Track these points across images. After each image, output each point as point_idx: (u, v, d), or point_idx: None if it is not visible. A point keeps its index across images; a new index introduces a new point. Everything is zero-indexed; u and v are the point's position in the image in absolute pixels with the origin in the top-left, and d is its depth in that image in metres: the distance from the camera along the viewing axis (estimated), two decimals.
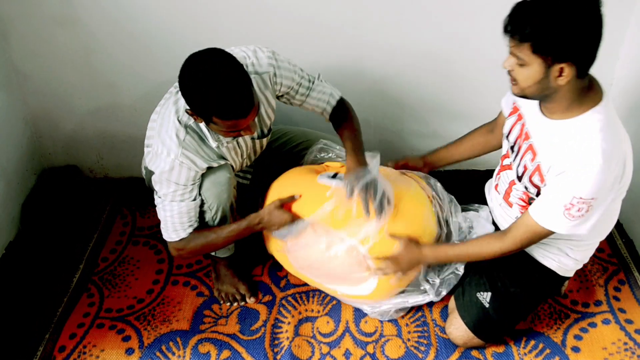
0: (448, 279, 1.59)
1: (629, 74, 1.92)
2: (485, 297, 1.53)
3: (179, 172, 1.48)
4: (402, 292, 1.64)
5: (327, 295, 1.77)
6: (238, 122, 1.37)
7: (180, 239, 1.59)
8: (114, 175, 2.25)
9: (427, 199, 1.62)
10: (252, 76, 1.42)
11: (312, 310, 1.74)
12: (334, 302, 1.76)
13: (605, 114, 1.26)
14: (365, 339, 1.65)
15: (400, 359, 1.60)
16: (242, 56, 1.51)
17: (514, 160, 1.46)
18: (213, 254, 1.76)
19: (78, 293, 1.81)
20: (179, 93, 1.53)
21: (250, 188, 1.82)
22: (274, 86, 1.56)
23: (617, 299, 1.76)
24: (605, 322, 1.69)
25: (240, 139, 1.59)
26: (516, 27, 1.18)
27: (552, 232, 1.35)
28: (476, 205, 1.65)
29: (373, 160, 1.58)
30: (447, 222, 1.62)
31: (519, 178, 1.43)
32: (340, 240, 1.53)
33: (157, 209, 1.58)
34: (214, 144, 1.52)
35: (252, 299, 1.77)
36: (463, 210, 1.65)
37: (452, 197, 1.66)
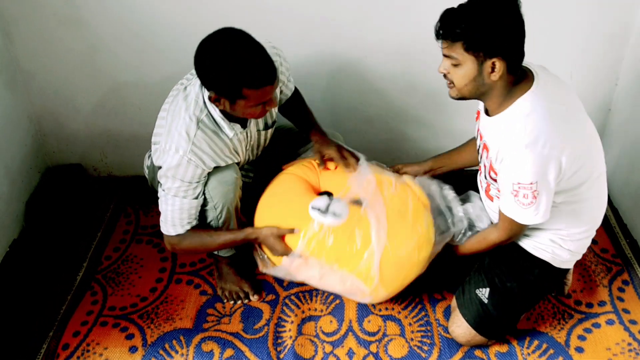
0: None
1: (633, 75, 1.92)
2: (484, 294, 1.55)
3: (186, 169, 1.49)
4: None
5: (330, 294, 1.77)
6: (266, 90, 1.39)
7: (177, 234, 1.60)
8: (118, 173, 2.26)
9: (423, 212, 1.59)
10: None
11: (316, 310, 1.74)
12: (337, 301, 1.76)
13: (533, 101, 1.33)
14: (369, 338, 1.65)
15: (403, 358, 1.60)
16: None
17: (480, 159, 1.55)
18: (215, 252, 1.77)
19: (81, 291, 1.81)
20: (187, 88, 1.53)
21: (252, 186, 1.82)
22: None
23: (621, 299, 1.75)
24: (609, 322, 1.68)
25: (248, 131, 1.59)
26: (448, 29, 1.29)
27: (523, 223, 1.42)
28: (464, 194, 1.68)
29: (363, 162, 1.64)
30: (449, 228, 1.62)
31: (485, 176, 1.51)
32: (332, 271, 1.53)
33: (159, 200, 1.57)
34: (230, 133, 1.52)
35: (256, 297, 1.77)
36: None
37: (455, 194, 1.65)
